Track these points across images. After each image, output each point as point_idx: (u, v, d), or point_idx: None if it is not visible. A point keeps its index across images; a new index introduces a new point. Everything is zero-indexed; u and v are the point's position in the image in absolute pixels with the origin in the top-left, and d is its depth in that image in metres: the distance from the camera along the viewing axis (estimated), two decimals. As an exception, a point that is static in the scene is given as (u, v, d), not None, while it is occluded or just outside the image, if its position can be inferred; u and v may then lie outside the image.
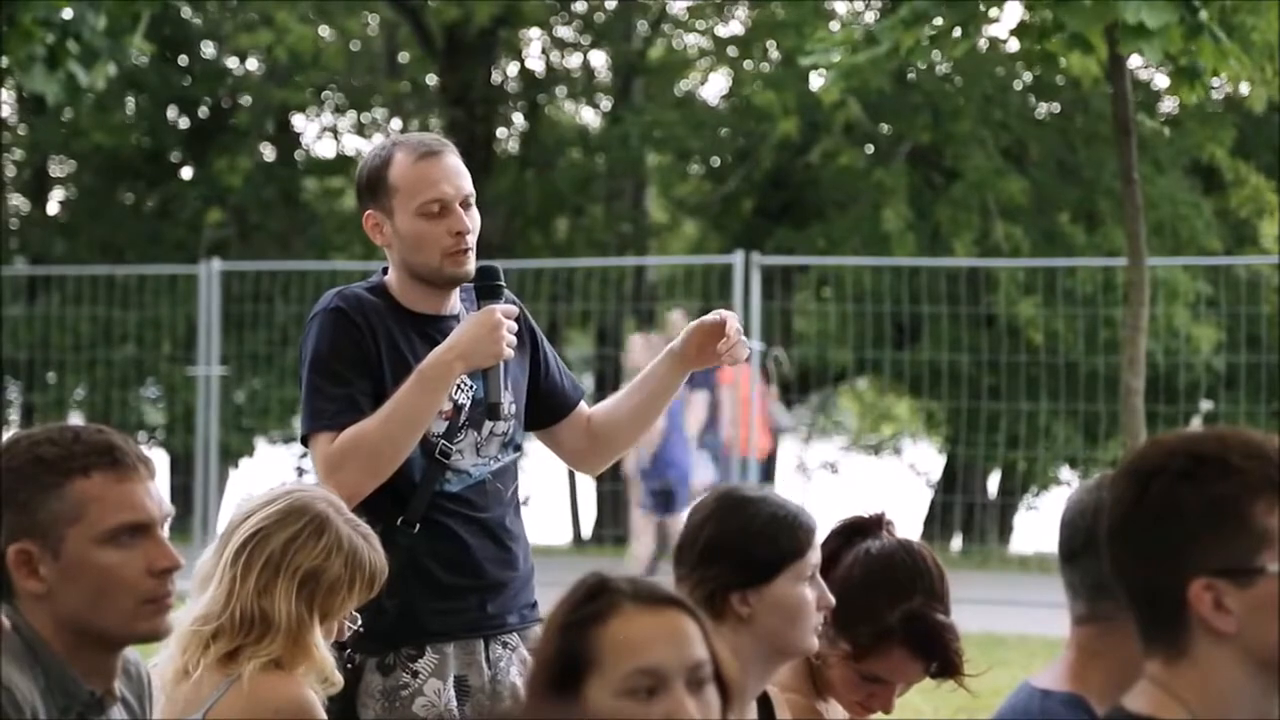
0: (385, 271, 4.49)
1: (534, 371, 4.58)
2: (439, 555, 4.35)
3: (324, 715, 3.71)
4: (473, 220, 4.41)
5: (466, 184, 4.43)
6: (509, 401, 4.45)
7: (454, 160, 4.44)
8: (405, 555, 4.30)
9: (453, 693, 4.32)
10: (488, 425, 4.42)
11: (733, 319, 4.49)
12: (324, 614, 3.71)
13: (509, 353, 4.35)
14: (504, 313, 4.35)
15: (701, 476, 14.81)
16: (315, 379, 4.33)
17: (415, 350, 4.36)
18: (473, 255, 4.41)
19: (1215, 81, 9.05)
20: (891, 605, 3.84)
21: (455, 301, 4.48)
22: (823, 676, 3.92)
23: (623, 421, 4.63)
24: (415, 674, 4.30)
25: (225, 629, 3.67)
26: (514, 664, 4.40)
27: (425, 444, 4.34)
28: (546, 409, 4.61)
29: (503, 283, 4.45)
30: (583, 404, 4.68)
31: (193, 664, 3.66)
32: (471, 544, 4.37)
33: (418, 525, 4.34)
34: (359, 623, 3.92)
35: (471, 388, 4.40)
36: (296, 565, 3.69)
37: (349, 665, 4.23)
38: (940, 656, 3.86)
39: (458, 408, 4.38)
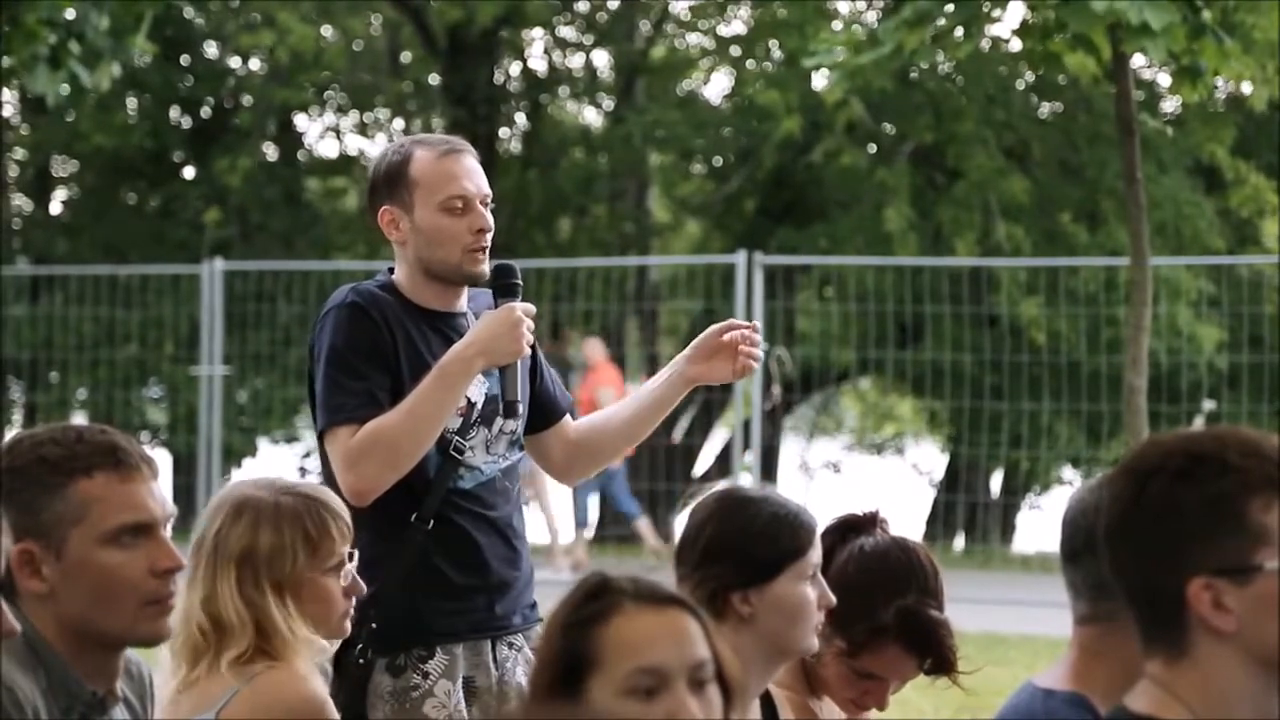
0: (391, 271, 4.49)
1: (531, 376, 4.59)
2: (450, 554, 4.35)
3: (335, 714, 3.71)
4: (489, 221, 4.42)
5: (486, 185, 4.47)
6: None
7: (474, 160, 4.48)
8: (418, 553, 4.31)
9: (462, 694, 4.32)
10: (498, 423, 4.43)
11: (756, 324, 4.52)
12: (281, 584, 3.65)
13: (528, 350, 4.37)
14: (523, 310, 4.36)
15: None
16: (332, 373, 4.32)
17: (430, 346, 4.36)
18: (487, 255, 4.42)
19: (1218, 81, 9.06)
20: (886, 602, 3.84)
21: (464, 299, 4.49)
22: (816, 674, 3.92)
23: (611, 433, 4.64)
24: (426, 675, 4.30)
25: (199, 647, 3.65)
26: (519, 664, 4.40)
27: (440, 440, 4.34)
28: (540, 414, 4.62)
29: (520, 281, 4.46)
30: (569, 415, 4.69)
31: (183, 685, 3.66)
32: (482, 543, 4.38)
33: (431, 523, 4.34)
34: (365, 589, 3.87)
35: (483, 384, 4.40)
36: (228, 554, 3.65)
37: (361, 660, 4.23)
38: (934, 653, 3.87)
39: (471, 404, 4.39)
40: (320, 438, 4.37)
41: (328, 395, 4.32)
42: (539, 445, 4.68)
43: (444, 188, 4.38)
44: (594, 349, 16.92)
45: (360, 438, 4.25)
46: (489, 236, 4.41)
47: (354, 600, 3.78)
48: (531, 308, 4.42)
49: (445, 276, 4.41)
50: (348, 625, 3.81)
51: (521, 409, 4.47)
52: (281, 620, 3.65)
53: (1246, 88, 10.20)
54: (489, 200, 4.45)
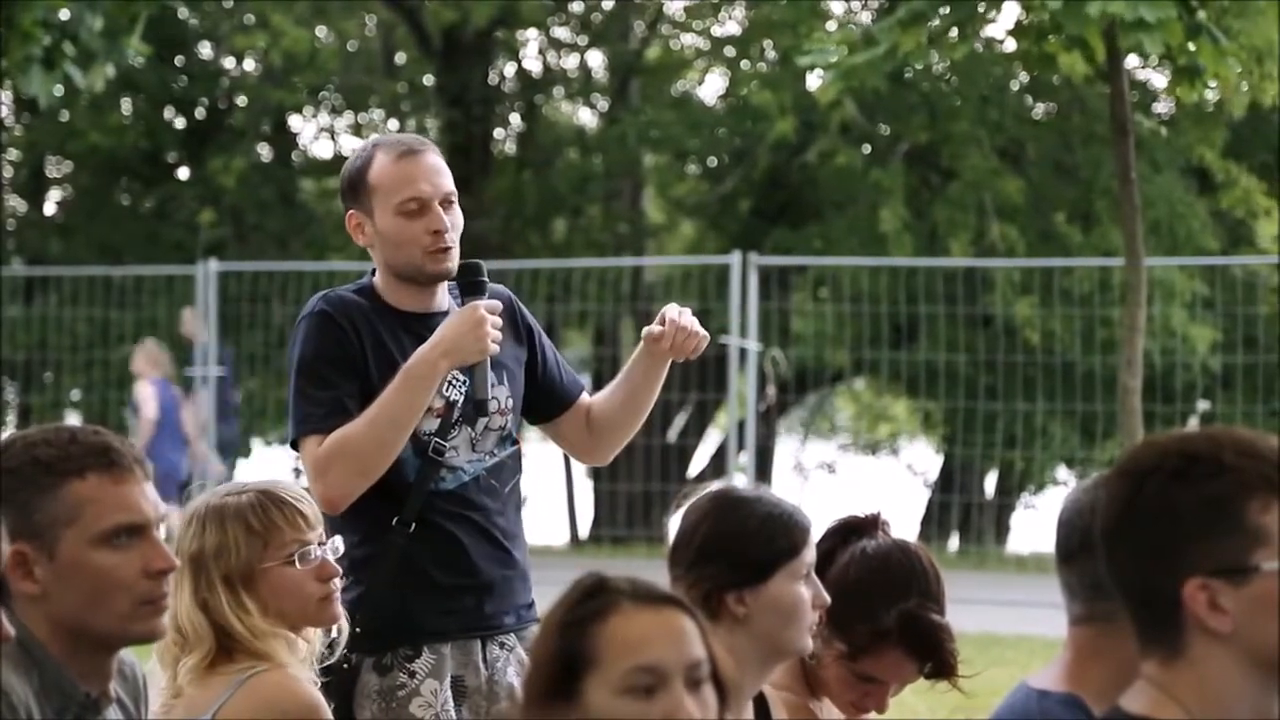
0: (373, 273, 4.49)
1: (530, 364, 4.57)
2: (435, 556, 4.34)
3: (329, 714, 3.71)
4: (454, 219, 4.39)
5: (446, 183, 4.42)
6: (505, 396, 4.45)
7: (434, 159, 4.44)
8: (401, 556, 4.30)
9: (449, 693, 4.32)
10: (482, 420, 4.42)
11: (674, 315, 4.44)
12: (230, 579, 3.69)
13: (494, 348, 4.35)
14: (488, 308, 4.35)
15: (211, 470, 15.40)
16: (301, 383, 4.33)
17: (404, 349, 4.35)
18: (455, 253, 4.40)
19: (1211, 83, 9.07)
20: (887, 606, 3.84)
21: (444, 298, 4.48)
22: (816, 676, 3.91)
23: (617, 415, 4.62)
24: (412, 674, 4.30)
25: (178, 657, 3.67)
26: (511, 665, 4.39)
27: (418, 442, 4.33)
28: (545, 403, 4.61)
29: (485, 278, 4.45)
30: (584, 396, 4.67)
31: (173, 692, 3.67)
32: (467, 543, 4.37)
33: (413, 525, 4.33)
34: (341, 554, 3.88)
35: (464, 383, 4.39)
36: (182, 562, 3.69)
37: (345, 665, 4.23)
38: (935, 657, 3.86)
39: (450, 404, 4.37)
40: (293, 447, 4.37)
41: (297, 405, 4.34)
42: (555, 431, 4.68)
43: (399, 191, 4.37)
44: None
45: (326, 447, 4.26)
46: (451, 235, 4.37)
47: (333, 583, 3.78)
48: (497, 304, 4.40)
49: (412, 278, 4.40)
50: (335, 610, 3.81)
51: (504, 404, 4.45)
52: (235, 618, 3.67)
53: (1244, 86, 10.21)
54: (452, 199, 4.41)
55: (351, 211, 4.45)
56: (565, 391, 4.63)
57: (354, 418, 4.27)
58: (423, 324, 4.40)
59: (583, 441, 4.67)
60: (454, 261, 4.40)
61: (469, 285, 4.43)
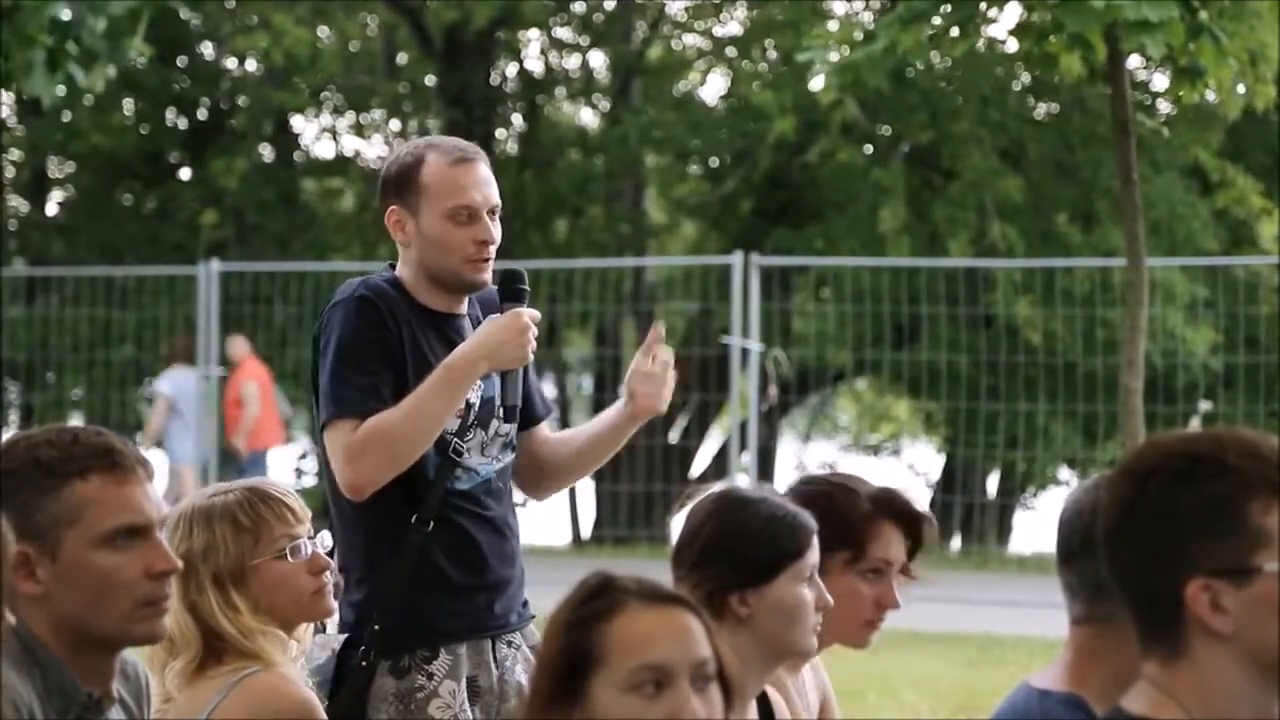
0: (393, 267, 4.49)
1: (523, 372, 4.59)
2: (451, 554, 4.36)
3: (323, 715, 3.71)
4: (497, 231, 4.42)
5: (494, 194, 4.44)
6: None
7: (486, 169, 4.45)
8: (418, 554, 4.31)
9: (466, 694, 4.32)
10: (493, 425, 4.44)
11: (656, 343, 4.48)
12: (219, 578, 3.70)
13: (531, 357, 4.38)
14: (530, 317, 4.37)
15: None
16: (338, 366, 4.30)
17: (432, 347, 4.37)
18: (491, 265, 4.42)
19: (1210, 84, 9.07)
20: (861, 496, 3.98)
21: (466, 301, 4.49)
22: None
23: (570, 459, 4.64)
24: (430, 676, 4.30)
25: (166, 662, 3.68)
26: (519, 663, 4.41)
27: (439, 441, 4.34)
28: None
29: (527, 287, 4.46)
30: (546, 425, 4.67)
31: (164, 696, 3.68)
32: (481, 541, 4.39)
33: (431, 524, 4.34)
34: (330, 548, 3.88)
35: (479, 387, 4.40)
36: None
37: (363, 664, 4.24)
38: (916, 521, 4.02)
39: (469, 406, 4.39)
40: (322, 429, 4.36)
41: (333, 388, 4.31)
42: None
43: (451, 196, 4.37)
44: (238, 346, 16.96)
45: (362, 433, 4.25)
46: (493, 248, 4.40)
47: (325, 575, 3.79)
48: (537, 314, 4.43)
49: (446, 283, 4.41)
50: (329, 603, 3.83)
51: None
52: (224, 618, 3.67)
53: (1240, 88, 10.20)
54: (497, 210, 4.43)
55: (393, 207, 4.44)
56: (534, 409, 4.62)
57: (388, 406, 4.27)
58: (449, 325, 4.42)
59: (526, 468, 4.62)
60: (489, 273, 4.42)
61: (511, 292, 4.43)
